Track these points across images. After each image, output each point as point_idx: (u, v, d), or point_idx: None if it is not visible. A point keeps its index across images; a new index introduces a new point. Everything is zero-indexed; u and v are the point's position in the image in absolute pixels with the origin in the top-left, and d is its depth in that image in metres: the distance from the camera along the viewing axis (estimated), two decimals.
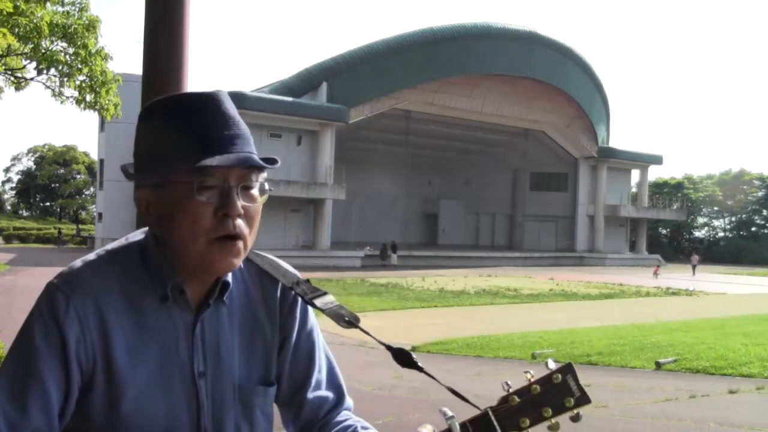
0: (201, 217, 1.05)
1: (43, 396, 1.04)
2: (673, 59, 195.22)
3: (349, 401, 1.30)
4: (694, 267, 37.81)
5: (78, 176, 71.41)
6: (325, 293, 1.20)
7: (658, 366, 9.61)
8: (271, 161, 1.11)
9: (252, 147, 1.11)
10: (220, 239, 1.06)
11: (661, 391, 7.87)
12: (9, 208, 77.13)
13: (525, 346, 11.06)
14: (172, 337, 1.13)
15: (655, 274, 33.83)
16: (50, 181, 72.22)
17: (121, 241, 1.18)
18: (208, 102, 1.09)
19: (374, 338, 1.21)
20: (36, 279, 22.03)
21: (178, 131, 1.07)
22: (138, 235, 1.18)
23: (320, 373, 1.27)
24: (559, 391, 1.08)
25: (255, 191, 1.10)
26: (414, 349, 10.89)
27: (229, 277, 1.15)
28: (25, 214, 75.18)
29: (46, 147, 74.37)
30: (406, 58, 37.94)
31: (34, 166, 74.91)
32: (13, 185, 79.39)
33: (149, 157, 1.09)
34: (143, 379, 1.10)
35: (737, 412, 6.98)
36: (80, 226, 62.83)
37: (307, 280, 1.22)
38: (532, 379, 1.10)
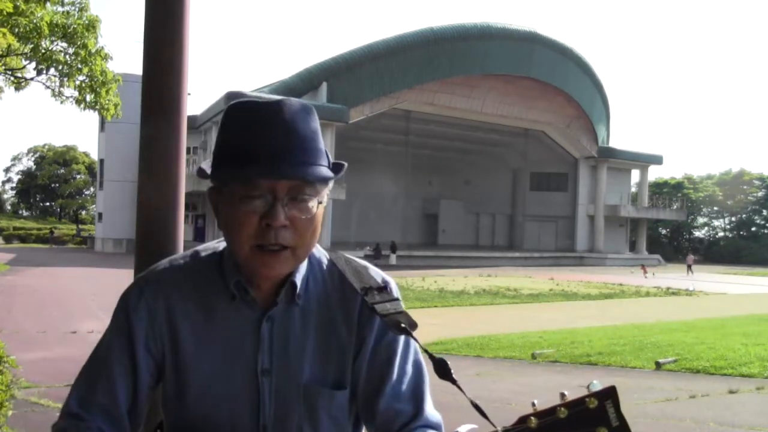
0: (246, 224, 1.08)
1: (109, 380, 1.16)
2: (673, 59, 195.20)
3: (432, 418, 1.22)
4: (689, 267, 37.74)
5: (78, 176, 71.40)
6: (394, 299, 1.18)
7: (658, 366, 9.60)
8: (337, 167, 1.13)
9: (310, 158, 1.09)
10: (262, 247, 1.09)
11: (661, 391, 7.87)
12: (9, 208, 77.12)
13: (525, 346, 11.05)
14: (238, 333, 1.17)
15: (645, 273, 33.67)
16: (50, 181, 72.21)
17: (212, 243, 1.25)
18: (271, 109, 1.09)
19: (420, 345, 1.21)
20: (36, 279, 22.02)
21: (228, 140, 1.11)
22: None
23: (400, 384, 1.21)
24: (590, 418, 0.94)
25: (309, 202, 1.10)
26: None
27: (297, 279, 1.17)
28: (25, 214, 75.17)
29: (46, 147, 74.36)
30: (406, 58, 37.94)
31: (34, 166, 74.90)
32: (13, 185, 79.43)
33: (213, 159, 1.14)
34: (208, 372, 1.16)
35: (737, 412, 6.98)
36: (80, 226, 62.85)
37: (385, 287, 1.20)
38: (564, 401, 0.97)
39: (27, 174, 75.74)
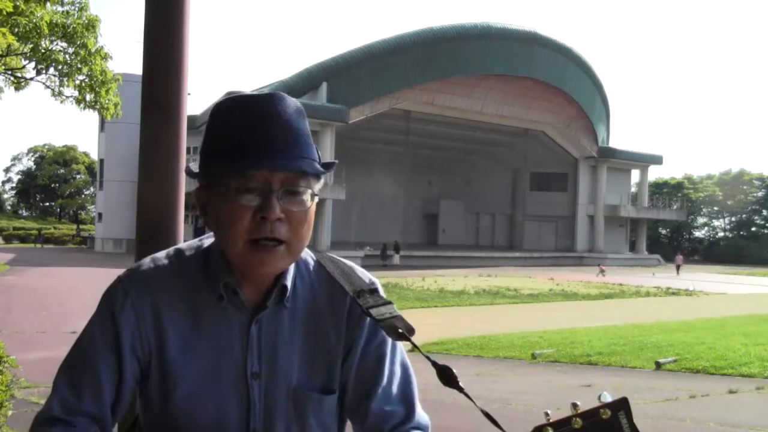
0: (240, 219, 1.06)
1: (96, 384, 1.11)
2: (673, 59, 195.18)
3: (421, 420, 1.23)
4: (678, 267, 37.50)
5: (78, 176, 71.43)
6: (387, 303, 1.17)
7: (658, 366, 9.60)
8: (327, 165, 1.12)
9: (305, 150, 1.09)
10: (258, 241, 1.07)
11: (661, 391, 7.87)
12: (9, 208, 77.12)
13: (525, 346, 11.06)
14: (227, 336, 1.14)
15: (602, 272, 33.55)
16: (50, 181, 72.25)
17: (194, 242, 1.22)
18: (263, 103, 1.08)
19: (422, 353, 1.17)
20: (36, 279, 22.02)
21: (221, 133, 1.09)
22: (212, 236, 1.21)
23: (390, 386, 1.21)
24: (604, 429, 0.96)
25: (303, 195, 1.09)
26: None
27: (288, 281, 1.15)
28: (25, 214, 75.19)
29: (46, 147, 74.41)
30: (406, 58, 37.94)
31: (34, 166, 74.95)
32: (13, 185, 79.48)
33: (202, 157, 1.12)
34: (195, 374, 1.13)
35: (737, 412, 6.98)
36: (80, 226, 62.87)
37: (375, 290, 1.19)
38: (577, 411, 0.97)
39: (27, 174, 75.78)
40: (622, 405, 0.97)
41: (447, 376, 1.09)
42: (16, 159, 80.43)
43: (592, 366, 9.63)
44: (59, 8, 8.78)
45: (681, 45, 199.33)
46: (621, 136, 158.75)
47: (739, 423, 6.45)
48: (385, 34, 78.49)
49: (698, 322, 14.93)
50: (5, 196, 79.78)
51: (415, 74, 38.55)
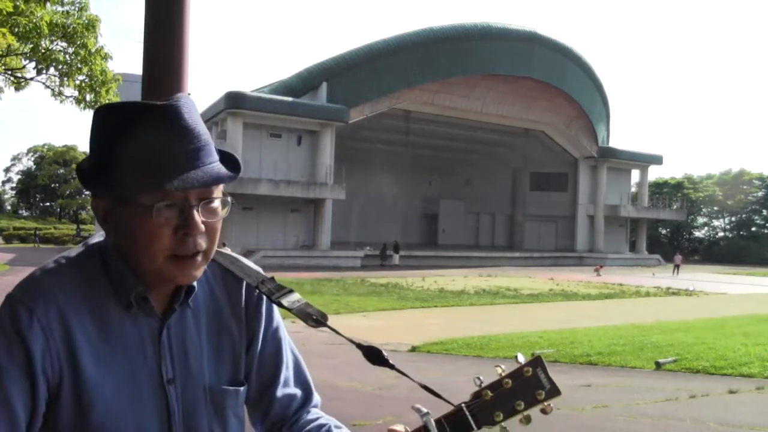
0: (160, 237, 1.03)
1: (10, 414, 1.00)
2: (673, 59, 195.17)
3: (316, 398, 1.29)
4: (676, 267, 37.33)
5: None
6: (290, 291, 1.19)
7: (658, 366, 9.60)
8: (234, 166, 1.09)
9: (214, 155, 1.06)
10: (180, 257, 1.05)
11: (661, 391, 7.86)
12: (9, 208, 77.13)
13: (525, 346, 11.04)
14: (138, 344, 1.10)
15: (596, 271, 34.01)
16: (50, 181, 72.26)
17: (80, 247, 1.14)
18: (167, 114, 1.03)
19: (343, 336, 1.20)
20: None
21: (135, 148, 1.01)
22: (97, 238, 1.15)
23: (288, 371, 1.26)
24: (530, 385, 1.10)
25: (216, 204, 1.08)
26: (414, 349, 10.89)
27: (194, 281, 1.13)
28: (25, 214, 75.20)
29: (46, 147, 74.41)
30: (406, 58, 37.94)
31: (34, 166, 74.95)
32: (13, 185, 79.49)
33: (105, 168, 1.04)
34: (111, 388, 1.07)
35: (737, 412, 6.97)
36: (80, 226, 62.87)
37: (272, 278, 1.20)
38: (504, 373, 1.11)
39: (27, 174, 75.78)
40: (539, 363, 1.11)
41: (375, 356, 1.15)
42: (16, 159, 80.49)
43: (592, 366, 9.62)
44: (59, 8, 8.78)
45: (681, 45, 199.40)
46: (621, 136, 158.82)
47: (739, 423, 6.45)
48: (385, 34, 78.55)
49: (698, 322, 14.92)
50: (5, 196, 79.84)
51: (415, 74, 38.55)
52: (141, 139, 1.01)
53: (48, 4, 8.41)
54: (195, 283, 1.13)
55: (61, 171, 71.65)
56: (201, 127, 1.05)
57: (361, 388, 7.50)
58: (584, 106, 46.22)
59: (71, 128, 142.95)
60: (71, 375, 1.05)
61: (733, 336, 12.38)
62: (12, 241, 55.32)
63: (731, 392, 7.84)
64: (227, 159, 1.11)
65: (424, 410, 1.07)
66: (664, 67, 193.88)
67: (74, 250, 1.14)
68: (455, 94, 41.41)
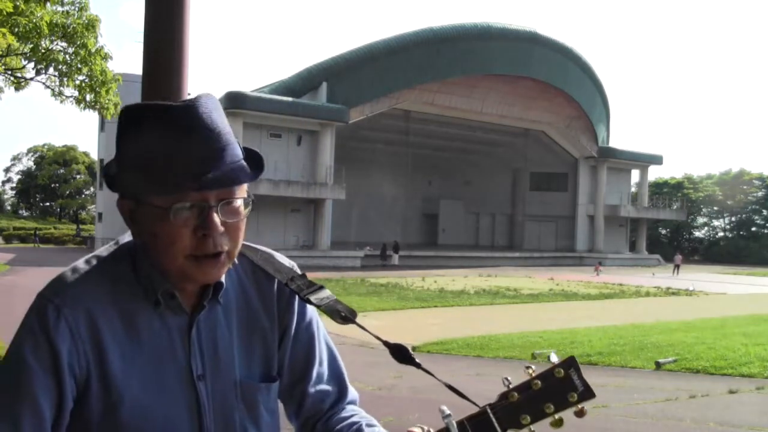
0: (179, 238, 1.03)
1: (36, 414, 1.02)
2: (673, 59, 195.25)
3: (353, 394, 1.29)
4: (676, 267, 37.29)
5: (78, 176, 71.39)
6: (321, 287, 1.19)
7: (658, 366, 9.60)
8: (257, 164, 1.09)
9: (236, 154, 1.06)
10: (201, 257, 1.05)
11: (661, 391, 7.87)
12: (9, 208, 77.13)
13: (525, 346, 11.05)
14: (167, 341, 1.11)
15: (596, 270, 34.25)
16: (50, 181, 72.21)
17: (111, 246, 1.16)
18: (183, 115, 1.03)
19: (371, 333, 1.20)
20: (36, 279, 22.01)
21: (157, 150, 1.02)
22: (127, 237, 1.16)
23: (321, 366, 1.25)
24: (561, 386, 1.05)
25: (237, 203, 1.07)
26: (414, 349, 10.89)
27: (223, 277, 1.13)
28: (25, 214, 75.18)
29: (46, 147, 74.38)
30: (406, 58, 37.94)
31: (34, 166, 74.91)
32: (13, 185, 79.44)
33: (130, 169, 1.06)
34: (139, 385, 1.08)
35: (737, 412, 6.98)
36: (80, 226, 62.86)
37: (303, 275, 1.21)
38: (534, 374, 1.07)
39: (27, 174, 75.74)
40: (572, 363, 1.06)
41: (402, 354, 1.14)
42: (16, 159, 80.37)
43: (592, 366, 9.63)
44: (59, 8, 8.78)
45: (681, 45, 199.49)
46: (621, 136, 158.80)
47: (739, 423, 6.46)
48: (385, 34, 78.55)
49: (698, 322, 14.92)
50: (5, 196, 79.81)
51: (415, 74, 38.55)
52: (157, 140, 1.02)
53: (48, 4, 8.40)
54: (223, 279, 1.14)
55: (61, 171, 71.61)
56: (221, 127, 1.05)
57: (362, 387, 7.49)
58: (584, 106, 46.22)
59: (71, 128, 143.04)
60: (98, 372, 1.06)
61: (733, 336, 12.38)
62: (12, 241, 55.31)
63: (731, 392, 7.84)
64: (252, 156, 1.10)
65: (447, 411, 1.05)
66: (664, 68, 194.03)
67: (105, 249, 1.16)
68: (455, 94, 41.42)
